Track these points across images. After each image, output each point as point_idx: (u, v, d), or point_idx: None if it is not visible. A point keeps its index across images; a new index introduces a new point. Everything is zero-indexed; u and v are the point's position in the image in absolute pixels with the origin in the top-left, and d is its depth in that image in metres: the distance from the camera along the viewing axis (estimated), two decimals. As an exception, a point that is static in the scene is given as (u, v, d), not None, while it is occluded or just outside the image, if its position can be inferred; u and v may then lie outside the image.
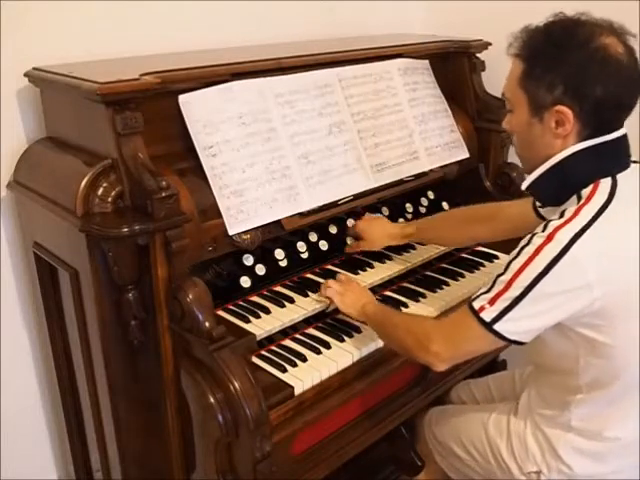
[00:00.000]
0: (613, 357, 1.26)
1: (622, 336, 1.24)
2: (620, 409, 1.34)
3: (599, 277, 1.17)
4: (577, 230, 1.17)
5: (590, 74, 1.18)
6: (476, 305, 1.25)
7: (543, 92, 1.23)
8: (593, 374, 1.30)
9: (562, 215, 1.22)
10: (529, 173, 1.33)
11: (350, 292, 1.56)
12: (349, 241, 1.85)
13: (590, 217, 1.19)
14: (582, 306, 1.19)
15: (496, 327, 1.22)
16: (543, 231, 1.20)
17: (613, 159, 1.26)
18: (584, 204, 1.21)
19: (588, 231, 1.17)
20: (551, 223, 1.21)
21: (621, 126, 1.26)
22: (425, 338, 1.32)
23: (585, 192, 1.23)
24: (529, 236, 1.23)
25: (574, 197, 1.25)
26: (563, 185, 1.27)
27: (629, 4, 1.90)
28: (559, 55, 1.20)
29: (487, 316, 1.23)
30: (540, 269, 1.17)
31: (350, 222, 1.85)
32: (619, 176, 1.24)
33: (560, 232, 1.18)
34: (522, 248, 1.22)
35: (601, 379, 1.30)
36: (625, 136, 1.27)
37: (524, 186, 1.34)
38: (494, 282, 1.25)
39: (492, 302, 1.23)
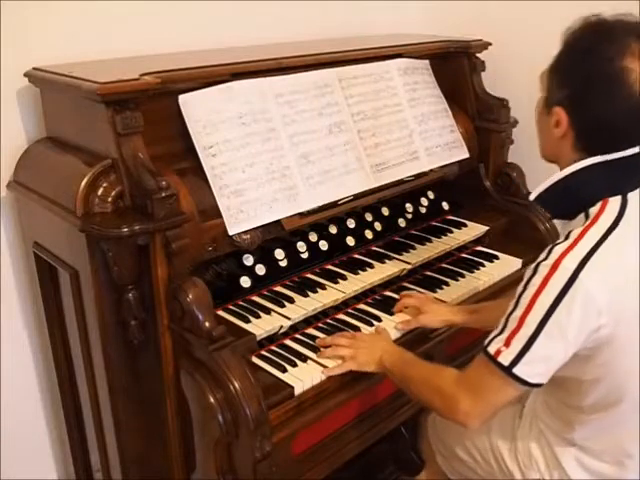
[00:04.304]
0: (616, 383, 1.24)
1: (625, 362, 1.22)
2: (624, 436, 1.31)
3: (608, 303, 1.13)
4: (583, 255, 1.13)
5: (596, 92, 1.15)
6: (492, 350, 1.20)
7: (555, 88, 1.21)
8: (596, 397, 1.27)
9: (567, 237, 1.18)
10: (543, 158, 1.30)
11: (361, 349, 1.46)
12: (398, 315, 1.66)
13: (596, 240, 1.15)
14: (590, 331, 1.15)
15: (515, 371, 1.17)
16: (547, 258, 1.16)
17: (625, 177, 1.21)
18: (590, 225, 1.17)
19: (594, 256, 1.13)
20: (555, 248, 1.17)
21: (624, 148, 1.20)
22: (451, 398, 1.26)
23: (593, 211, 1.19)
24: (534, 265, 1.18)
25: (582, 216, 1.21)
26: (571, 201, 1.23)
27: (629, 4, 1.90)
28: (579, 59, 1.17)
29: (505, 359, 1.17)
30: (550, 301, 1.13)
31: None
32: (630, 195, 1.20)
33: (565, 259, 1.14)
34: (529, 280, 1.18)
35: (603, 403, 1.27)
36: None
37: (532, 197, 1.30)
38: (506, 320, 1.20)
39: (507, 343, 1.18)
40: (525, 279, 1.19)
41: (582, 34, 1.19)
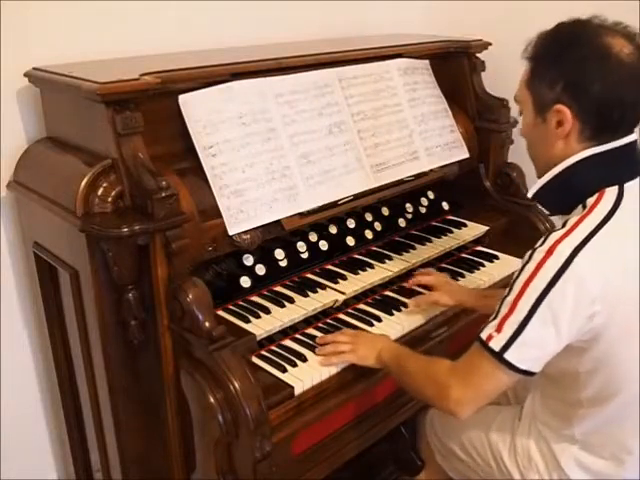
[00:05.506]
0: (613, 374, 1.24)
1: (622, 352, 1.22)
2: (624, 431, 1.31)
3: (601, 290, 1.14)
4: (578, 242, 1.14)
5: (588, 71, 1.16)
6: (484, 335, 1.20)
7: (545, 90, 1.21)
8: (594, 389, 1.27)
9: (564, 225, 1.19)
10: (539, 177, 1.31)
11: (361, 344, 1.48)
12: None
13: (592, 228, 1.16)
14: (584, 320, 1.16)
15: (506, 356, 1.17)
16: (542, 244, 1.18)
17: (621, 167, 1.22)
18: (586, 214, 1.18)
19: (589, 243, 1.14)
20: (551, 235, 1.18)
21: (631, 129, 1.22)
22: (443, 386, 1.26)
23: (590, 201, 1.20)
24: (529, 252, 1.19)
25: (579, 207, 1.22)
26: (569, 194, 1.24)
27: (629, 4, 1.90)
28: (561, 52, 1.20)
29: (496, 345, 1.18)
30: (543, 286, 1.14)
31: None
32: (627, 185, 1.21)
33: (561, 245, 1.15)
34: (523, 266, 1.19)
35: (601, 395, 1.27)
36: (635, 142, 1.23)
37: (530, 194, 1.31)
38: (500, 306, 1.21)
39: (499, 328, 1.18)
40: (521, 265, 1.20)
41: (553, 34, 1.24)
